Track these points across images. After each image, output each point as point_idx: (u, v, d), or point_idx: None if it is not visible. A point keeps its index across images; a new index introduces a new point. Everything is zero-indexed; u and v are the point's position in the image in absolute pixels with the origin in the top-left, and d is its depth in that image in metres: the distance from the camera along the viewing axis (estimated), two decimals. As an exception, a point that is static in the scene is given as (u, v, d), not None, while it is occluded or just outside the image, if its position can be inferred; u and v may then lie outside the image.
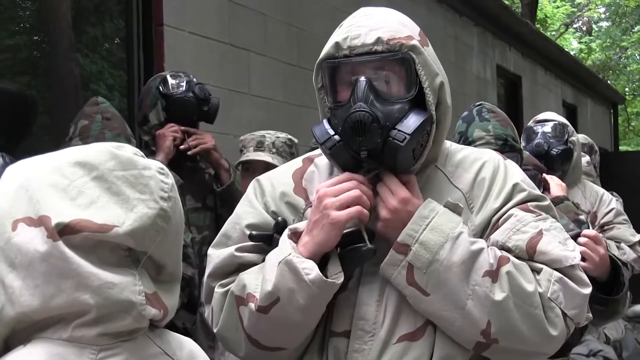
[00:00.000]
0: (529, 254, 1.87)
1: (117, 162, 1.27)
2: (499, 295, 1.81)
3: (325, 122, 1.94)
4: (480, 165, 2.01)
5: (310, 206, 1.94)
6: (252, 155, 3.44)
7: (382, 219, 1.88)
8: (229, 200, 3.67)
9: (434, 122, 1.92)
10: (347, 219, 1.83)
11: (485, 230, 1.94)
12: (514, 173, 2.02)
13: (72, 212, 1.22)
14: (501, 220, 1.92)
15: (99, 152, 1.28)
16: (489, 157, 2.04)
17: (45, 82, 4.86)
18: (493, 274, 1.82)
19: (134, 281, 1.25)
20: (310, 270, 1.80)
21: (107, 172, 1.26)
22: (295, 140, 3.62)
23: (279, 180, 2.06)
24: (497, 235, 1.90)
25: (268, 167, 3.26)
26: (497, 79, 11.22)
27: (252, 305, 1.86)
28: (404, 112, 1.88)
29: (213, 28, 5.44)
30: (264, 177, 2.09)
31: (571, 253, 1.90)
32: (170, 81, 3.74)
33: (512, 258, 1.85)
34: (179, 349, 1.36)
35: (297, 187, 2.03)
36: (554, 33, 25.02)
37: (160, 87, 3.72)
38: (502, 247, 1.88)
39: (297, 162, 2.10)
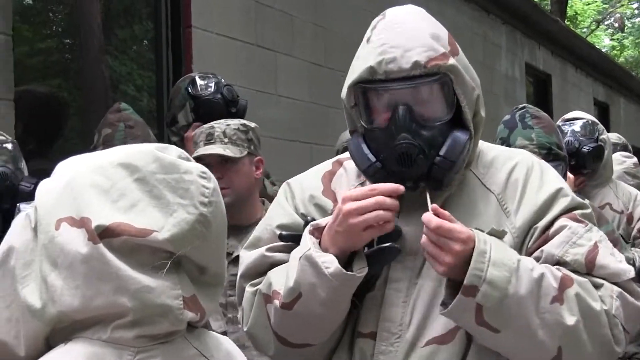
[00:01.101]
0: (588, 268, 1.84)
1: (159, 165, 1.27)
2: (570, 320, 1.77)
3: (363, 145, 1.92)
4: (513, 165, 1.98)
5: None
6: (201, 150, 3.14)
7: (446, 264, 1.77)
8: None
9: (472, 137, 1.92)
10: (363, 226, 1.80)
11: (528, 232, 1.90)
12: (552, 174, 1.99)
13: (113, 215, 1.23)
14: (552, 231, 1.88)
15: (142, 153, 1.28)
16: (522, 157, 2.02)
17: (76, 84, 4.93)
18: (559, 299, 1.78)
19: (172, 285, 1.25)
20: (330, 263, 1.79)
21: (149, 175, 1.26)
22: (252, 125, 3.24)
23: (308, 183, 2.06)
24: (553, 249, 1.85)
25: (223, 159, 3.10)
26: (527, 77, 11.13)
27: (277, 302, 1.87)
28: (445, 135, 1.87)
29: (240, 29, 5.47)
30: (294, 181, 2.10)
31: (626, 266, 1.87)
32: (199, 82, 3.77)
33: (574, 277, 1.81)
34: (216, 350, 1.36)
35: (325, 189, 2.03)
36: (584, 30, 24.79)
37: (189, 89, 3.74)
38: (559, 261, 1.85)
39: (326, 165, 2.10)
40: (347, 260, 1.84)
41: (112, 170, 1.26)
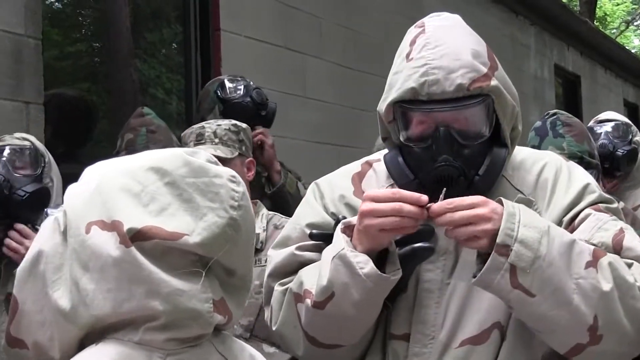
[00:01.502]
0: (616, 250, 1.83)
1: (189, 169, 1.27)
2: (606, 286, 1.74)
3: (400, 158, 1.92)
4: (542, 166, 1.98)
5: None
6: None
7: (483, 231, 1.75)
8: (280, 203, 3.67)
9: (510, 152, 1.93)
10: (377, 228, 1.77)
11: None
12: (580, 172, 2.00)
13: (144, 218, 1.23)
14: (577, 220, 1.89)
15: (172, 157, 1.29)
16: (550, 158, 2.02)
17: (105, 88, 4.95)
18: (594, 264, 1.76)
19: (202, 288, 1.25)
20: (365, 264, 1.76)
21: (179, 179, 1.26)
22: (243, 126, 3.15)
23: (337, 183, 2.06)
24: (579, 234, 1.85)
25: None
26: (556, 78, 11.08)
27: (308, 302, 1.86)
28: (484, 153, 1.89)
29: (269, 32, 5.48)
30: (323, 180, 2.10)
31: None
32: (228, 85, 3.76)
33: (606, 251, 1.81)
34: (240, 355, 1.36)
35: (356, 190, 2.02)
36: (614, 31, 24.63)
37: (218, 92, 3.73)
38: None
39: (355, 166, 2.10)
40: (377, 261, 1.81)
41: (143, 174, 1.26)
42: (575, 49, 11.76)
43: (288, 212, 3.65)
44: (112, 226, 1.22)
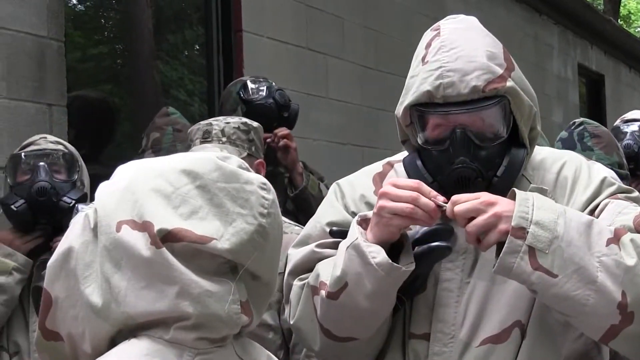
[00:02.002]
0: (638, 232, 1.80)
1: (221, 174, 1.28)
2: (630, 261, 1.73)
3: (418, 161, 1.93)
4: (562, 164, 1.99)
5: None
6: (197, 148, 2.89)
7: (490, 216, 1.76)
8: (302, 205, 3.66)
9: (528, 153, 1.94)
10: (391, 211, 1.77)
11: None
12: (600, 168, 2.00)
13: (174, 220, 1.24)
14: (597, 211, 1.88)
15: (204, 161, 1.29)
16: (570, 157, 2.03)
17: (127, 90, 4.96)
18: (615, 242, 1.75)
19: (231, 290, 1.27)
20: (377, 253, 1.77)
21: (210, 183, 1.27)
22: (255, 124, 2.97)
23: (358, 183, 2.07)
24: (601, 222, 1.84)
25: None
26: (579, 78, 11.02)
27: (323, 293, 1.87)
28: (502, 154, 1.90)
29: (290, 33, 5.47)
30: (344, 181, 2.11)
31: None
32: (251, 86, 3.75)
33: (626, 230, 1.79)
34: (259, 358, 1.37)
35: (377, 190, 2.00)
36: (638, 30, 24.46)
37: (241, 93, 3.73)
38: None
39: (377, 167, 2.11)
40: (391, 254, 1.81)
41: (175, 176, 1.27)
42: (599, 48, 11.69)
43: (310, 213, 3.63)
44: (143, 226, 1.24)
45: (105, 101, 4.66)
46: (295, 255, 2.02)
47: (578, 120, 3.03)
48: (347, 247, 1.82)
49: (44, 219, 2.73)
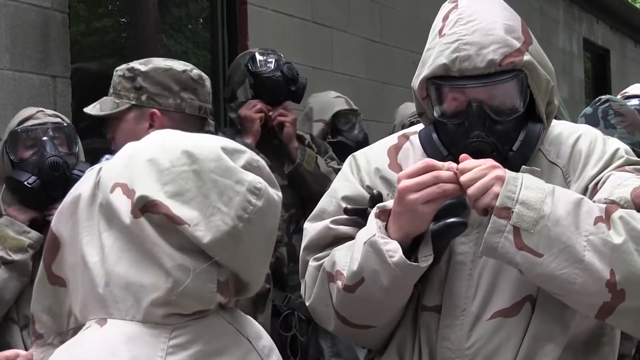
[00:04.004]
0: (636, 204, 1.80)
1: (218, 165, 1.28)
2: (617, 239, 1.72)
3: (434, 134, 1.93)
4: (577, 137, 1.98)
5: None
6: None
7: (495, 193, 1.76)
8: (297, 181, 3.65)
9: (545, 128, 1.92)
10: (423, 200, 1.76)
11: (584, 193, 1.88)
12: (613, 142, 1.98)
13: (157, 194, 1.26)
14: (600, 183, 1.88)
15: (209, 148, 1.30)
16: (585, 130, 2.01)
17: (132, 63, 4.93)
18: (604, 221, 1.74)
19: (207, 268, 1.27)
20: (394, 252, 1.77)
21: (206, 171, 1.28)
22: (144, 68, 2.54)
23: (373, 156, 2.06)
24: (600, 195, 1.84)
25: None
26: (584, 53, 10.97)
27: (339, 283, 1.87)
28: (518, 129, 1.90)
29: (296, 5, 5.44)
30: (360, 153, 2.10)
31: None
32: (259, 59, 3.73)
33: (618, 207, 1.78)
34: (249, 328, 1.38)
35: (392, 162, 2.02)
36: (643, 5, 24.33)
37: (249, 65, 3.71)
38: (606, 203, 1.81)
39: (392, 139, 2.10)
40: (412, 244, 1.81)
41: (176, 154, 1.28)
42: (605, 23, 11.64)
43: (306, 190, 3.63)
44: (130, 193, 1.26)
45: (109, 74, 4.63)
46: (310, 230, 2.01)
47: (604, 97, 3.00)
48: (365, 242, 1.81)
49: (57, 194, 2.71)
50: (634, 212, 1.78)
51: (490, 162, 1.78)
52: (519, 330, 1.84)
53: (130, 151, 1.33)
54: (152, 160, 1.28)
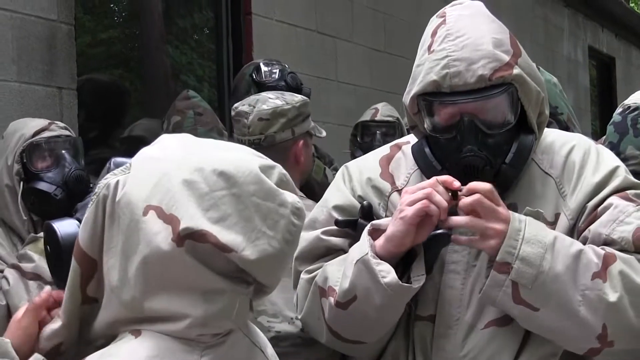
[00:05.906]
0: (636, 247, 1.81)
1: (259, 188, 1.26)
2: (612, 296, 1.75)
3: (426, 149, 1.93)
4: (570, 148, 1.98)
5: (397, 190, 1.96)
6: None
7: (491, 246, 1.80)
8: (306, 192, 3.65)
9: (537, 138, 1.93)
10: (413, 213, 1.78)
11: (582, 212, 1.89)
12: (609, 155, 1.99)
13: (202, 222, 1.23)
14: (600, 208, 1.87)
15: (246, 169, 1.27)
16: (579, 140, 2.01)
17: (137, 74, 4.97)
18: (602, 275, 1.76)
19: (242, 288, 1.28)
20: (387, 273, 1.79)
21: (246, 195, 1.25)
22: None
23: (366, 166, 2.07)
24: (599, 228, 1.84)
25: None
26: (589, 61, 10.96)
27: (331, 300, 1.88)
28: (510, 141, 1.89)
29: (300, 15, 5.46)
30: (352, 164, 2.11)
31: None
32: (264, 69, 3.76)
33: (617, 254, 1.79)
34: (261, 339, 1.40)
35: (383, 172, 2.03)
36: (648, 12, 24.30)
37: (254, 75, 3.74)
38: (606, 241, 1.82)
39: (384, 149, 2.10)
40: (405, 262, 1.83)
41: (213, 177, 1.25)
42: (610, 31, 11.63)
43: (314, 200, 3.63)
44: (169, 219, 1.23)
45: (115, 85, 4.66)
46: (302, 240, 1.99)
47: (633, 105, 2.95)
48: (357, 260, 1.82)
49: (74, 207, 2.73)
50: (633, 260, 1.79)
51: (495, 197, 1.79)
52: (514, 339, 1.85)
53: (152, 165, 1.29)
54: (188, 183, 1.24)
